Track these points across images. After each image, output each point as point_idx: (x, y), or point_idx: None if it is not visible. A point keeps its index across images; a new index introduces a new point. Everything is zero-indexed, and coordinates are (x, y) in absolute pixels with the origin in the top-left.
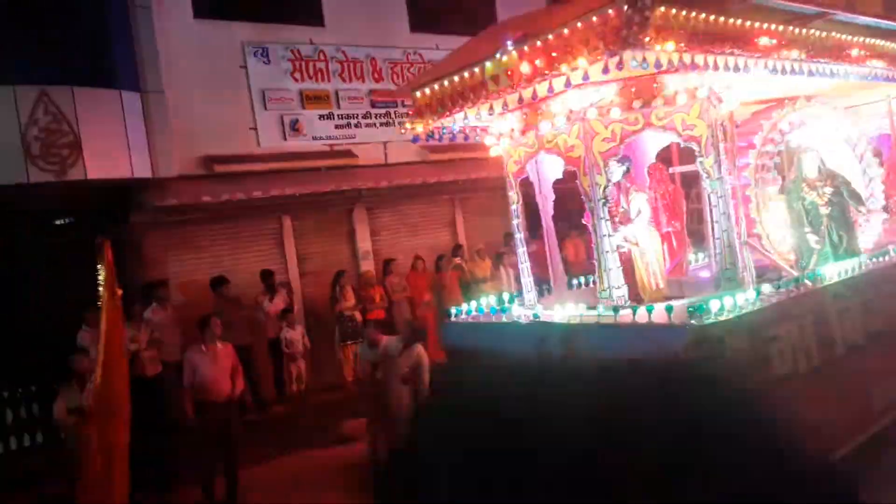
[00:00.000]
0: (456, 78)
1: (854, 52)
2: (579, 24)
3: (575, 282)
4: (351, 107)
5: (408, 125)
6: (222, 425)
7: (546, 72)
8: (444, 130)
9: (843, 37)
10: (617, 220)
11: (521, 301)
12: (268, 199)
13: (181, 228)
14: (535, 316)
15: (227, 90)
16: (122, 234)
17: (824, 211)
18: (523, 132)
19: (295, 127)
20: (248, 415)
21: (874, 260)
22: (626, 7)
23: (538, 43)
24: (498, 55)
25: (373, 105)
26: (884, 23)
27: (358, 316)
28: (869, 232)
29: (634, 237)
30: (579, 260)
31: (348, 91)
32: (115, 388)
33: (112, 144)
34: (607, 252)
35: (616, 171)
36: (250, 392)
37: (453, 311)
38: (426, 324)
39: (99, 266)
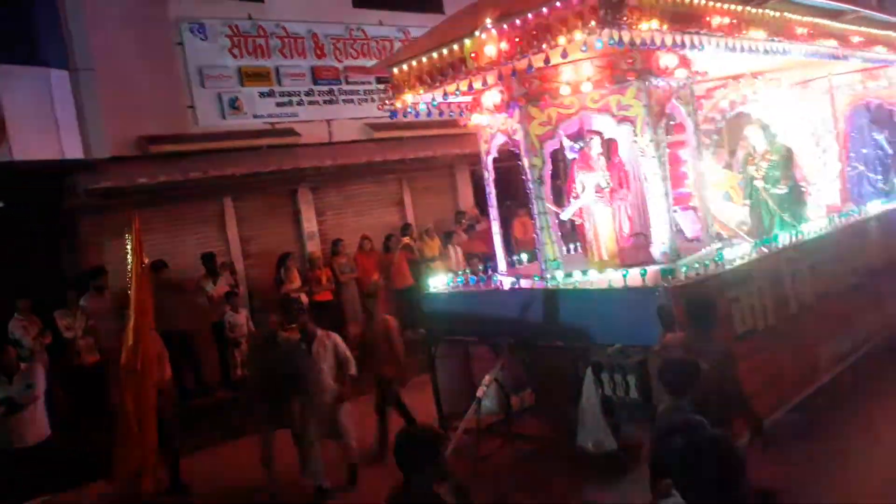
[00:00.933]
0: (435, 55)
1: (799, 31)
2: (558, 4)
3: (515, 258)
4: (293, 84)
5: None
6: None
7: (526, 50)
8: (423, 106)
9: (795, 17)
10: (573, 196)
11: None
12: (207, 180)
13: (117, 212)
14: (514, 283)
15: (162, 68)
16: (55, 219)
17: (760, 184)
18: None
19: (234, 105)
20: (191, 401)
21: (822, 226)
22: None
23: (517, 22)
24: (478, 33)
25: (315, 82)
26: (830, 3)
27: (304, 298)
28: (820, 201)
29: (583, 212)
30: (528, 238)
31: (290, 68)
32: (145, 351)
33: (39, 124)
34: (542, 228)
35: (571, 150)
36: (194, 377)
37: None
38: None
39: (128, 236)
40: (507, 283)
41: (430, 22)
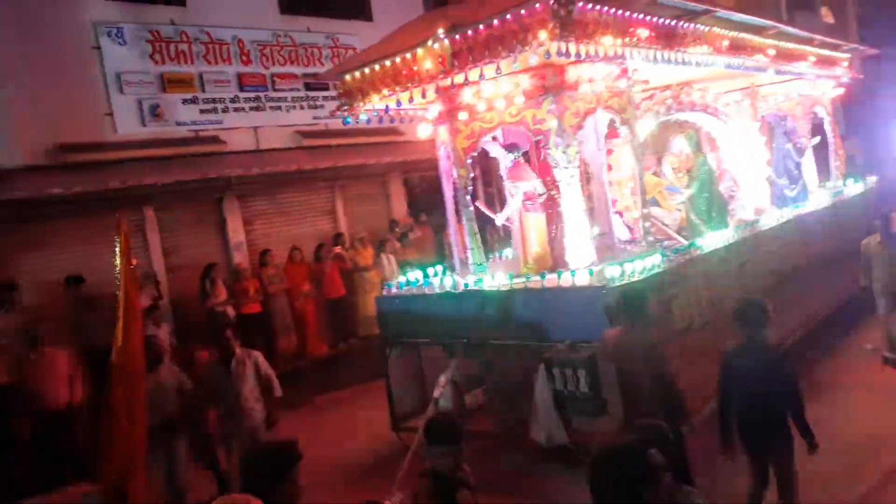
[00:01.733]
0: (387, 62)
1: (724, 44)
2: (509, 17)
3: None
4: (217, 90)
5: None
6: (62, 435)
7: (478, 60)
8: (376, 113)
9: (723, 31)
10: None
11: (451, 273)
12: (127, 190)
13: (29, 224)
14: (466, 286)
15: (78, 73)
16: None
17: (687, 191)
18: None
19: (155, 112)
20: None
21: (748, 228)
22: (552, 2)
23: (469, 32)
24: (430, 42)
25: (241, 88)
26: (755, 19)
27: (231, 311)
28: (749, 204)
29: (512, 217)
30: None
31: (214, 74)
32: (134, 350)
33: None
34: (469, 234)
35: (505, 159)
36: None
37: (385, 285)
38: (305, 316)
39: (116, 238)
40: (460, 285)
41: (359, 29)
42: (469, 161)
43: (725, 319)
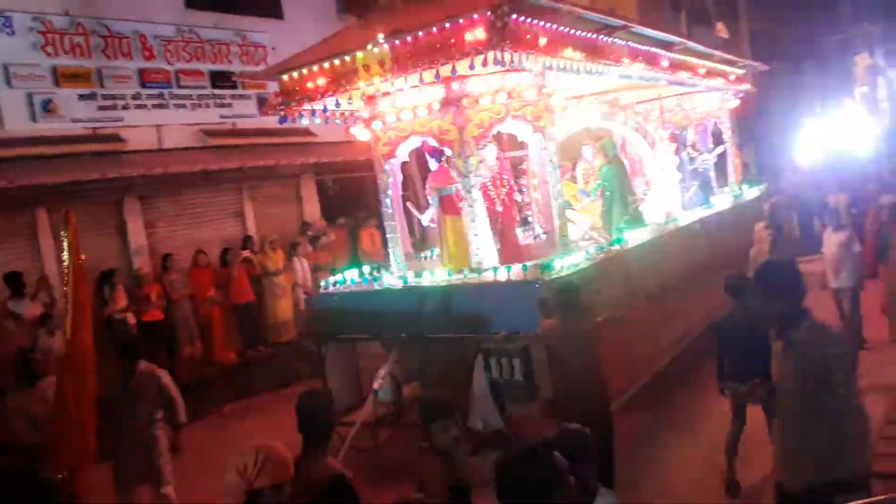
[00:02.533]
0: (325, 64)
1: (639, 58)
2: (447, 25)
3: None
4: (117, 86)
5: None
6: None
7: (415, 66)
8: (315, 114)
9: (637, 45)
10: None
11: (388, 271)
12: (16, 190)
13: None
14: (405, 282)
15: None
16: None
17: (597, 196)
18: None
19: (48, 108)
20: None
21: (660, 229)
22: (489, 13)
23: (409, 38)
24: (370, 46)
25: (143, 85)
26: (665, 35)
27: (131, 318)
28: (660, 207)
29: (434, 219)
30: (376, 249)
31: (114, 69)
32: (83, 342)
33: None
34: (390, 235)
35: (432, 164)
36: None
37: (322, 283)
38: (211, 322)
39: (63, 234)
40: (398, 281)
41: (270, 27)
42: (387, 167)
43: (641, 312)
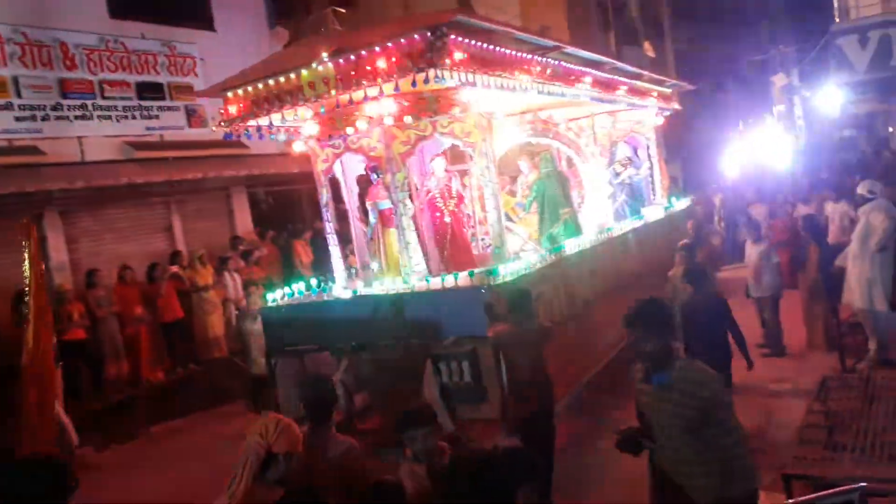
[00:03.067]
0: (271, 82)
1: (572, 77)
2: (389, 44)
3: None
4: (36, 97)
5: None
6: None
7: (362, 83)
8: (260, 131)
9: (569, 65)
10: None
11: (335, 283)
12: None
13: None
14: (355, 292)
15: None
16: None
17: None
18: (330, 135)
19: None
20: None
21: (596, 238)
22: (428, 33)
23: (352, 57)
24: (314, 65)
25: (64, 95)
26: (596, 56)
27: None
28: (595, 218)
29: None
30: (310, 263)
31: (32, 79)
32: (44, 349)
33: None
34: (331, 246)
35: (372, 178)
36: None
37: (269, 297)
38: (138, 340)
39: (24, 242)
40: (346, 292)
41: (200, 38)
42: (326, 183)
43: (579, 317)
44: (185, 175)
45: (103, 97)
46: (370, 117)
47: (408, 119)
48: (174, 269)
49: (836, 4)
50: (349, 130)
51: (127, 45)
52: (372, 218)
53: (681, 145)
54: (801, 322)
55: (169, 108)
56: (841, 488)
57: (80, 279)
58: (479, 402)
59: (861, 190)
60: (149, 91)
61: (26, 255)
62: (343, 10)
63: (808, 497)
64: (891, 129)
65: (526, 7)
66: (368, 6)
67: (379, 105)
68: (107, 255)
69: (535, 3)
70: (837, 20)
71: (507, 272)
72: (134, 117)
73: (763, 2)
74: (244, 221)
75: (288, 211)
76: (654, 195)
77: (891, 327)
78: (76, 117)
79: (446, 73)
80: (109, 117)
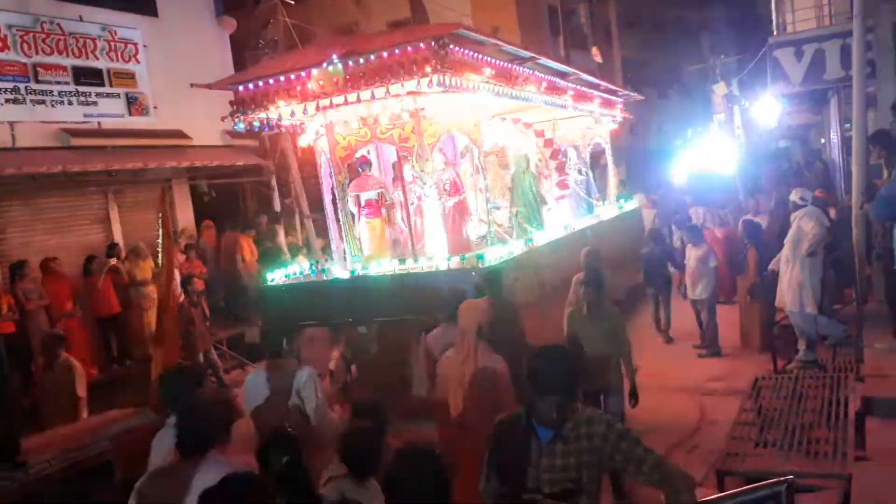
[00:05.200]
0: (282, 78)
1: (543, 85)
2: (397, 51)
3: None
4: None
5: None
6: None
7: (371, 84)
8: (269, 123)
9: (540, 74)
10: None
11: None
12: None
13: None
14: (353, 273)
15: None
16: None
17: (503, 203)
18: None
19: None
20: None
21: (561, 232)
22: (432, 42)
23: (361, 60)
24: (325, 65)
25: None
26: (564, 67)
27: None
28: (557, 213)
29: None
30: (254, 258)
31: None
32: (170, 314)
33: None
34: (332, 230)
35: (361, 171)
36: None
37: (268, 276)
38: (71, 335)
39: (159, 214)
40: (345, 273)
41: (142, 24)
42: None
43: (547, 300)
44: (125, 165)
45: (37, 81)
46: (405, 110)
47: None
48: (112, 261)
49: (774, 18)
50: (381, 121)
51: (64, 28)
52: (353, 207)
53: (626, 150)
54: (737, 324)
55: (108, 95)
56: (768, 482)
57: (7, 271)
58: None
59: (794, 197)
60: (87, 76)
61: (159, 222)
62: (292, 2)
63: (736, 490)
64: (823, 141)
65: (476, 7)
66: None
67: (413, 100)
68: (38, 247)
69: (487, 3)
70: (775, 33)
71: (492, 258)
72: (70, 103)
73: (704, 13)
74: (185, 214)
75: (232, 204)
76: (607, 196)
77: (819, 329)
78: (7, 101)
79: (446, 78)
80: (44, 102)
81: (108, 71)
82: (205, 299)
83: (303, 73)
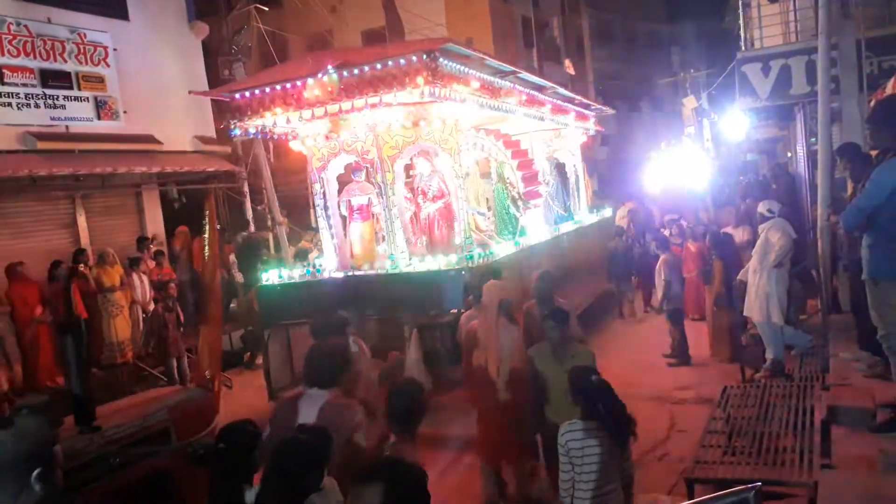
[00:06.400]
0: (278, 87)
1: (523, 98)
2: (390, 63)
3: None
4: None
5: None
6: None
7: (364, 94)
8: (266, 129)
9: (521, 87)
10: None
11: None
12: None
13: None
14: (347, 273)
15: None
16: None
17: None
18: (326, 137)
19: None
20: None
21: (544, 236)
22: (424, 56)
23: (356, 71)
24: (320, 75)
25: None
26: (543, 81)
27: None
28: (537, 220)
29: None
30: (230, 265)
31: None
32: (215, 295)
33: None
34: (323, 233)
35: (354, 177)
36: None
37: (264, 276)
38: (37, 343)
39: (206, 212)
40: (338, 273)
41: (112, 27)
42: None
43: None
44: (93, 169)
45: (3, 83)
46: (366, 124)
47: (396, 126)
48: (81, 267)
49: (742, 34)
50: (344, 135)
51: (31, 29)
52: (343, 211)
53: (597, 161)
54: (706, 333)
55: (76, 99)
56: (736, 488)
57: None
58: (458, 364)
59: (761, 209)
60: (54, 79)
61: (206, 219)
62: (266, 8)
63: (705, 497)
64: (789, 154)
65: (452, 18)
66: (293, 6)
67: (373, 114)
68: (4, 252)
69: (461, 14)
70: (743, 48)
71: (481, 259)
72: (37, 106)
73: (675, 28)
74: (155, 220)
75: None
76: (579, 205)
77: (786, 339)
78: None
79: (436, 89)
80: (9, 105)
81: (77, 74)
82: (179, 305)
83: (298, 83)
